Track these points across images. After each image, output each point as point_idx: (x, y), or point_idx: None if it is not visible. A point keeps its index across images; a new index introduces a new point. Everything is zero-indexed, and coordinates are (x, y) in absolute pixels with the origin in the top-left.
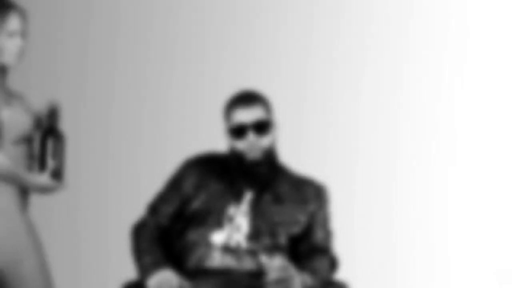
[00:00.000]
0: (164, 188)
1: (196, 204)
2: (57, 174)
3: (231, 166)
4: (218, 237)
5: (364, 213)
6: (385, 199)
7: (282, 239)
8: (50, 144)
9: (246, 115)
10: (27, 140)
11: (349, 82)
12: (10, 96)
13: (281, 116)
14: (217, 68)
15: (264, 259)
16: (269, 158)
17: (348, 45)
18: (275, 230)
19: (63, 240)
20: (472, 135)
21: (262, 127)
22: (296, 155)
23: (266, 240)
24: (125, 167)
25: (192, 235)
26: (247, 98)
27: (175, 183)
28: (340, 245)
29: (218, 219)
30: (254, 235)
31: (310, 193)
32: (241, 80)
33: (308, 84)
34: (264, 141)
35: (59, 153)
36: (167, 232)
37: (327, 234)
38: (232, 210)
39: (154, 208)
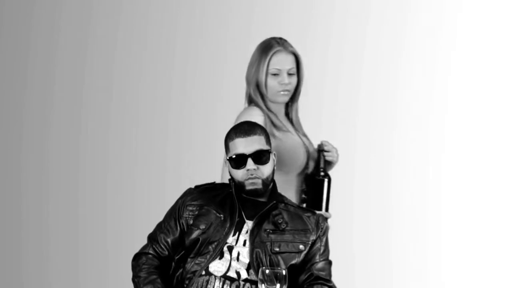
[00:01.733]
0: (164, 217)
1: (196, 234)
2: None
3: (231, 196)
4: (218, 267)
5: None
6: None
7: (282, 269)
8: (329, 188)
9: (246, 145)
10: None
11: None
12: (296, 129)
13: None
14: (217, 69)
15: None
16: (269, 188)
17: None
18: (275, 259)
19: (63, 240)
20: (465, 135)
21: (261, 157)
22: None
23: (266, 270)
24: (125, 167)
25: (192, 265)
26: (246, 129)
27: (174, 213)
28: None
29: (217, 249)
30: (254, 265)
31: (310, 223)
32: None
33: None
34: (264, 171)
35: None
36: (167, 261)
37: (327, 263)
38: (231, 239)
39: (154, 237)
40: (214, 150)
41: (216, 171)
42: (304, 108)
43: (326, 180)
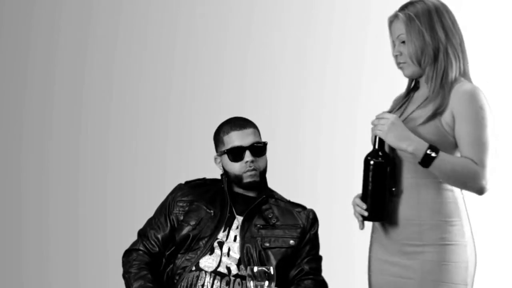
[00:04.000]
0: (155, 213)
1: (186, 230)
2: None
3: (222, 191)
4: (208, 263)
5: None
6: None
7: (272, 264)
8: (367, 171)
9: (243, 138)
10: None
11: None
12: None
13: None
14: (216, 69)
15: (252, 286)
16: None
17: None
18: (266, 255)
19: (63, 240)
20: None
21: (258, 149)
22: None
23: (256, 265)
24: (125, 167)
25: (182, 261)
26: (241, 123)
27: (165, 209)
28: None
29: (208, 245)
30: (244, 260)
31: (300, 218)
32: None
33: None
34: (260, 163)
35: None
36: (157, 257)
37: (317, 258)
38: (222, 235)
39: (145, 233)
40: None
41: (216, 171)
42: (303, 107)
43: (365, 162)
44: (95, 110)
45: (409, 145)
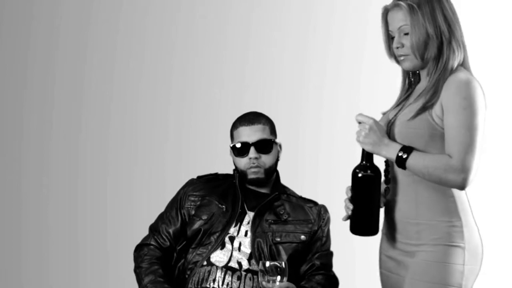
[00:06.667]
0: (166, 208)
1: (198, 224)
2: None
3: (234, 186)
4: (219, 257)
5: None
6: None
7: (283, 259)
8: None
9: (249, 134)
10: None
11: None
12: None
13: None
14: (216, 68)
15: (264, 283)
16: (271, 178)
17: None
18: (277, 250)
19: (63, 240)
20: None
21: (264, 146)
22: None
23: (267, 260)
24: (125, 167)
25: (194, 255)
26: (251, 118)
27: (176, 203)
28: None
29: (219, 240)
30: (255, 255)
31: (312, 214)
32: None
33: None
34: (266, 161)
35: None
36: (169, 252)
37: (328, 254)
38: (233, 230)
39: (156, 228)
40: (215, 150)
41: (223, 168)
42: (303, 107)
43: (352, 175)
44: (95, 110)
45: (382, 150)
